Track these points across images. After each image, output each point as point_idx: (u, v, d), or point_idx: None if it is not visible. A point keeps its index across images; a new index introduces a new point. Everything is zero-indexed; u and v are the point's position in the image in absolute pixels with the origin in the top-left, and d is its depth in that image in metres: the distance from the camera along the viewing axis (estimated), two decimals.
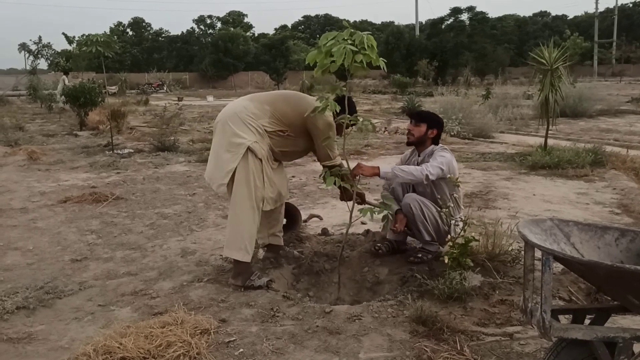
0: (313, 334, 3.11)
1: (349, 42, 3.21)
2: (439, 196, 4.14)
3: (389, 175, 3.94)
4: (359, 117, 3.64)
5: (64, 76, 22.11)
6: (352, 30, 3.27)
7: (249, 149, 3.72)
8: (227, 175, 3.75)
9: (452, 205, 4.00)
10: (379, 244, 4.33)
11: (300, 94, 4.29)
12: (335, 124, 3.88)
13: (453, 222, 4.02)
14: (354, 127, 3.86)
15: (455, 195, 4.16)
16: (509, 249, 4.08)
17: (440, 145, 4.31)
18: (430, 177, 3.94)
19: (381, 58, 3.33)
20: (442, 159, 4.04)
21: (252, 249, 3.84)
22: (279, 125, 3.90)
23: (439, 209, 4.04)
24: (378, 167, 3.90)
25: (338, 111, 3.53)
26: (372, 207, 3.75)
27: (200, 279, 4.01)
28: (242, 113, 3.83)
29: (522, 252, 4.01)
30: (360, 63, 3.21)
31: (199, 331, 3.07)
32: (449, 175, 4.03)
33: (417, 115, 4.35)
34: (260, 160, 3.78)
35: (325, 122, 3.85)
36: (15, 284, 4.00)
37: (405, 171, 3.95)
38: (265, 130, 3.85)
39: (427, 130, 4.23)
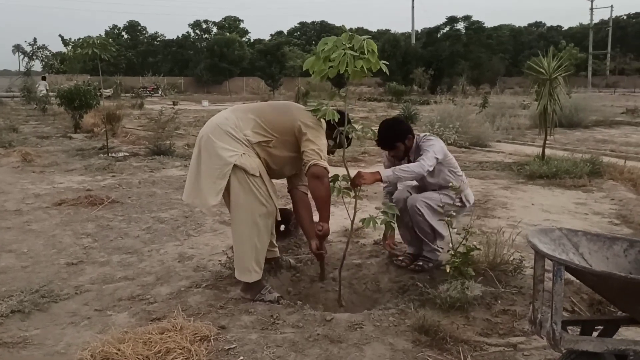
0: (314, 342, 3.06)
1: (348, 47, 3.15)
2: (442, 181, 4.16)
3: (391, 179, 3.91)
4: (356, 125, 3.60)
5: (43, 81, 23.31)
6: (351, 34, 3.21)
7: (238, 167, 3.49)
8: (219, 194, 3.54)
9: (454, 214, 3.96)
10: (400, 257, 4.28)
11: (288, 102, 4.05)
12: (332, 138, 3.66)
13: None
14: (349, 139, 3.67)
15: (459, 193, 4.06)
16: (511, 259, 4.05)
17: (422, 135, 4.25)
18: (428, 168, 3.92)
19: (383, 61, 3.27)
20: (432, 148, 4.01)
21: (260, 267, 3.66)
22: (263, 134, 3.64)
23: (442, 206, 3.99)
24: (379, 172, 3.85)
25: (337, 120, 3.45)
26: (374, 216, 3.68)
27: (198, 285, 3.95)
28: (224, 125, 3.62)
29: (524, 262, 4.02)
30: (360, 69, 3.15)
31: (199, 338, 3.02)
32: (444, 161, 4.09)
33: (387, 145, 4.18)
34: (254, 175, 3.54)
35: (316, 121, 3.63)
36: (10, 287, 3.93)
37: (406, 170, 3.88)
38: (249, 142, 3.61)
39: (404, 143, 4.15)
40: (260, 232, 3.62)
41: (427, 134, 4.27)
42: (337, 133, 3.51)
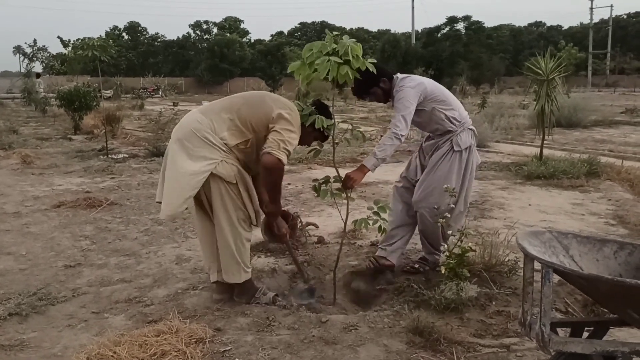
0: (309, 344, 3.08)
1: (333, 51, 3.15)
2: (439, 124, 4.09)
3: (377, 164, 3.79)
4: (345, 125, 3.62)
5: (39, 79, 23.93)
6: (336, 37, 3.21)
7: (216, 175, 3.38)
8: (181, 206, 3.40)
9: (449, 215, 3.97)
10: (415, 265, 4.22)
11: (262, 93, 3.88)
12: (314, 133, 3.66)
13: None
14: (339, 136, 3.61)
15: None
16: (506, 260, 4.07)
17: (401, 77, 4.05)
18: (401, 132, 3.77)
19: (370, 61, 3.26)
20: (399, 104, 3.86)
21: (247, 265, 3.63)
22: (240, 135, 3.46)
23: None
24: (364, 166, 3.79)
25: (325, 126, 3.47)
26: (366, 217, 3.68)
27: (195, 287, 3.97)
28: (199, 130, 3.40)
29: (519, 263, 4.04)
30: (345, 74, 3.15)
31: (194, 340, 3.04)
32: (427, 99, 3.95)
33: (362, 93, 4.07)
34: (231, 182, 3.42)
35: (292, 113, 3.49)
36: (8, 290, 3.96)
37: (382, 149, 3.77)
38: (227, 146, 3.44)
39: (379, 86, 3.99)
40: (241, 235, 3.56)
41: (404, 76, 4.04)
42: (316, 121, 3.47)
